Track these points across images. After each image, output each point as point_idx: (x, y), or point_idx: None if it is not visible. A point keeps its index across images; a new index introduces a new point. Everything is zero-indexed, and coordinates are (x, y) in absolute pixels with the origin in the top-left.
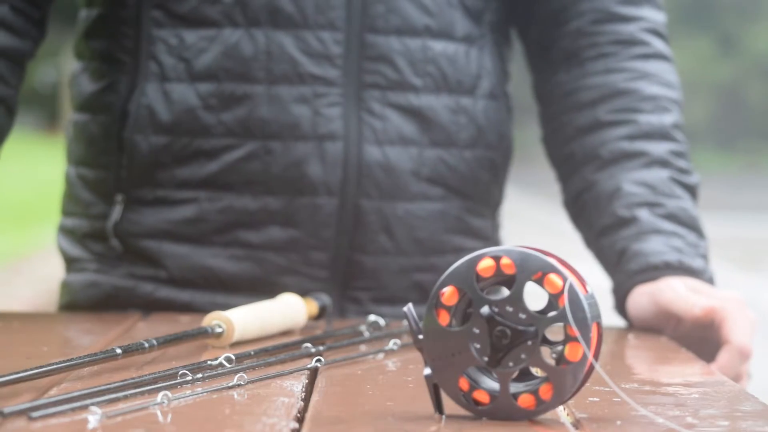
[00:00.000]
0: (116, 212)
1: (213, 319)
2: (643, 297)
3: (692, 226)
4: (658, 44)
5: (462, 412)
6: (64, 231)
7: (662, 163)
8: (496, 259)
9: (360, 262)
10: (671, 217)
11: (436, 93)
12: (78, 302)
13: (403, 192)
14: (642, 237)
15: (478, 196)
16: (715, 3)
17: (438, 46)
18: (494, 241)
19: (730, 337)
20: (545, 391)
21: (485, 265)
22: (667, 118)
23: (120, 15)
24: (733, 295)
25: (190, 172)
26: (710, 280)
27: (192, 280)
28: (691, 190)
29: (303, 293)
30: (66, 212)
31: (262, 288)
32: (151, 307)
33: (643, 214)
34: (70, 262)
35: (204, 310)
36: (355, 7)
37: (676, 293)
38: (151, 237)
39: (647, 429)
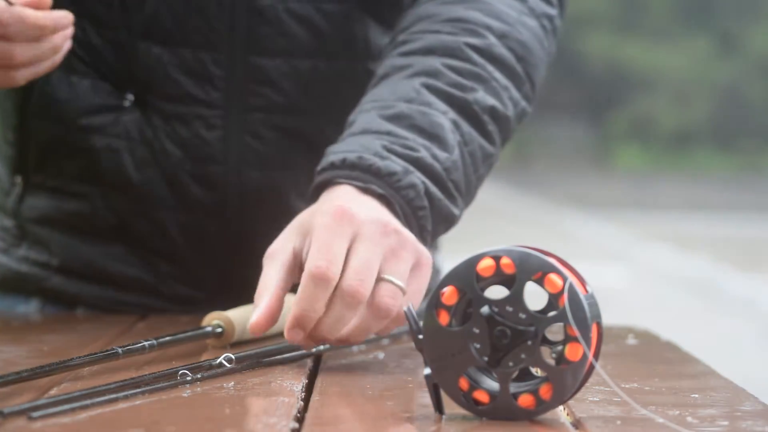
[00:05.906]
0: (15, 193)
1: (213, 319)
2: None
3: (425, 131)
4: None
5: (462, 412)
6: None
7: (427, 74)
8: (496, 258)
9: (248, 276)
10: (396, 118)
11: (325, 115)
12: None
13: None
14: (344, 139)
15: None
16: (715, 3)
17: (331, 66)
18: None
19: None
20: (545, 391)
21: (485, 264)
22: (468, 39)
23: None
24: (327, 209)
25: (82, 168)
26: (412, 188)
27: (81, 273)
28: (462, 106)
29: (190, 303)
30: None
31: (151, 291)
32: (41, 295)
33: (361, 116)
34: None
35: (94, 304)
36: (239, 28)
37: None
38: (44, 224)
39: (647, 429)
